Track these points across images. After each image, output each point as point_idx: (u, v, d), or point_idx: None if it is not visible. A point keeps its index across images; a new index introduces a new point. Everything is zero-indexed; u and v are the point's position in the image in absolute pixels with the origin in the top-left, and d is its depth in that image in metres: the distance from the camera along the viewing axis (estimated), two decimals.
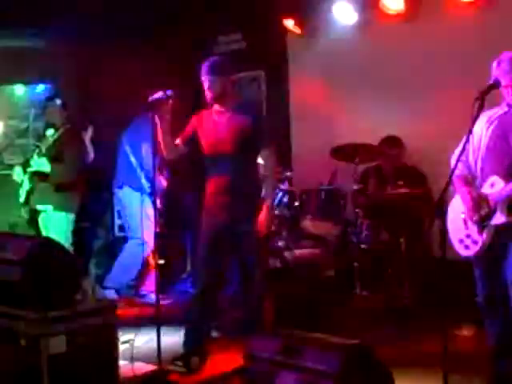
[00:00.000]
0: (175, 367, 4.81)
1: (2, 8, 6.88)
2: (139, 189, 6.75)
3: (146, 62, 8.06)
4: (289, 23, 7.71)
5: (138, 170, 6.71)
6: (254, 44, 8.40)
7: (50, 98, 6.51)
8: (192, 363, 4.86)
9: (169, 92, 4.72)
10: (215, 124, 4.87)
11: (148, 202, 6.70)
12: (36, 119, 8.01)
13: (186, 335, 4.98)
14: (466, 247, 4.13)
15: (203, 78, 4.81)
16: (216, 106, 4.90)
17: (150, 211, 6.61)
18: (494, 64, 4.15)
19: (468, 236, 4.11)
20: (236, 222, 4.81)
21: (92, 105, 8.12)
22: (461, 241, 4.15)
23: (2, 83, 8.13)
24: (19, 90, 8.28)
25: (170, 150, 4.94)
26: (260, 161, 6.75)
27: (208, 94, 4.83)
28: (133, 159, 6.75)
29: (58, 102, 6.42)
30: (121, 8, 7.38)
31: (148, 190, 6.71)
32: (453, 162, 4.32)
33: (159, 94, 4.71)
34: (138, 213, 6.69)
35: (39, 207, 6.28)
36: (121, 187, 6.88)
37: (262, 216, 4.73)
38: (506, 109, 4.16)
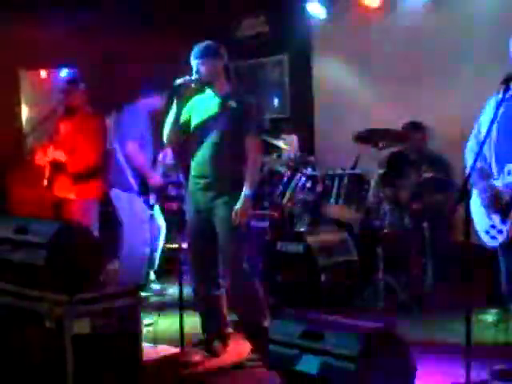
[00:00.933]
0: (198, 351, 4.84)
1: None
2: (127, 189, 6.41)
3: (169, 46, 8.08)
4: (313, 7, 7.68)
5: (126, 169, 6.47)
6: (278, 28, 8.39)
7: (73, 82, 6.50)
8: (214, 347, 4.89)
9: (193, 77, 4.73)
10: (204, 108, 4.86)
11: (137, 200, 6.42)
12: (60, 104, 8.06)
13: (203, 321, 5.00)
14: (493, 237, 4.12)
15: (192, 63, 4.75)
16: (208, 91, 4.87)
17: (140, 210, 6.43)
18: None
19: (493, 226, 4.09)
20: (213, 206, 4.78)
21: (116, 90, 8.14)
22: (487, 232, 4.14)
23: (27, 68, 8.18)
24: (43, 75, 8.32)
25: (173, 135, 4.89)
26: (283, 145, 6.80)
27: (201, 77, 4.74)
28: (120, 157, 6.46)
29: (82, 85, 6.42)
30: None
31: (136, 189, 6.41)
32: (468, 154, 4.29)
33: (184, 79, 4.72)
34: (128, 214, 6.54)
35: (62, 194, 6.30)
36: (110, 189, 6.53)
37: (237, 206, 4.68)
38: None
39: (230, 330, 5.04)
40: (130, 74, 7.86)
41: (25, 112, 8.25)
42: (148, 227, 6.47)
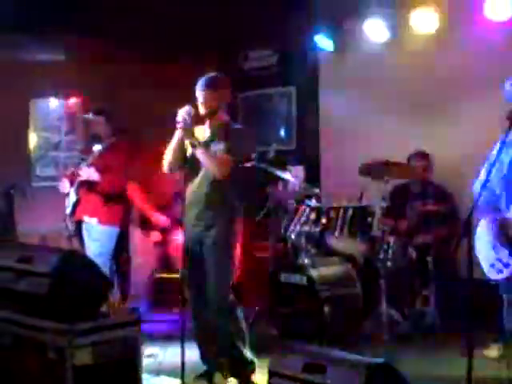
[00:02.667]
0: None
1: (35, 21, 7.00)
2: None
3: (175, 76, 8.13)
4: (320, 39, 7.74)
5: None
6: (286, 61, 8.44)
7: (97, 112, 6.64)
8: (215, 379, 4.88)
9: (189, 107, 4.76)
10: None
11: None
12: (69, 132, 8.16)
13: (201, 353, 4.99)
14: (499, 271, 4.09)
15: (198, 93, 4.84)
16: (208, 122, 4.93)
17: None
18: (507, 84, 4.13)
19: (499, 260, 4.07)
20: (203, 235, 4.82)
21: (120, 118, 8.19)
22: (492, 265, 4.12)
23: (37, 96, 8.24)
24: (53, 102, 8.39)
25: (174, 162, 4.88)
26: (289, 177, 6.81)
27: (201, 109, 4.83)
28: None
29: (90, 115, 6.55)
30: (149, 22, 7.47)
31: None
32: (476, 188, 4.29)
33: (186, 110, 4.75)
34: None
35: (85, 219, 6.38)
36: None
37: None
38: None
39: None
40: (133, 104, 7.92)
41: (33, 139, 8.30)
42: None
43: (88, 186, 6.34)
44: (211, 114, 4.86)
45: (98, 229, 6.32)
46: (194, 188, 4.86)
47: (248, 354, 4.85)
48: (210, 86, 4.83)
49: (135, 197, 6.39)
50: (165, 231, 6.56)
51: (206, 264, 4.81)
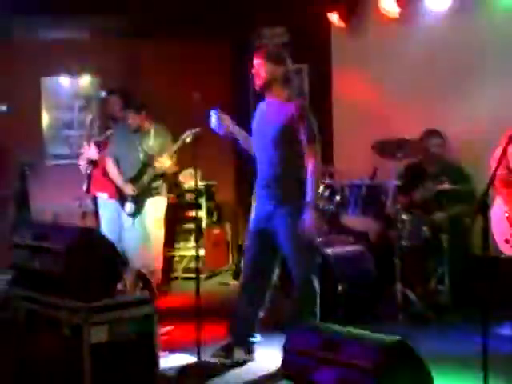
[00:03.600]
0: (218, 358, 4.81)
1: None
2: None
3: (189, 55, 8.11)
4: (333, 17, 7.68)
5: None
6: (298, 37, 8.38)
7: (111, 92, 6.64)
8: (236, 354, 4.84)
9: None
10: (263, 115, 4.88)
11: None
12: (81, 111, 8.16)
13: (234, 325, 4.96)
14: None
15: (256, 62, 4.79)
16: (267, 97, 4.88)
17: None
18: None
19: None
20: (275, 215, 4.79)
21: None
22: (507, 240, 4.11)
23: (48, 74, 8.24)
24: (65, 81, 8.38)
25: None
26: None
27: (258, 79, 4.80)
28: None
29: (103, 94, 6.56)
30: (166, 2, 7.44)
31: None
32: (493, 163, 4.26)
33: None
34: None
35: (97, 194, 6.44)
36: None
37: (304, 218, 4.66)
38: None
39: (257, 338, 5.00)
40: (151, 83, 7.92)
41: (45, 118, 8.30)
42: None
43: (93, 163, 6.41)
44: (266, 87, 4.81)
45: (109, 204, 6.36)
46: (263, 166, 4.84)
47: None
48: (271, 58, 4.77)
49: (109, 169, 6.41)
50: None
51: (280, 242, 4.79)
